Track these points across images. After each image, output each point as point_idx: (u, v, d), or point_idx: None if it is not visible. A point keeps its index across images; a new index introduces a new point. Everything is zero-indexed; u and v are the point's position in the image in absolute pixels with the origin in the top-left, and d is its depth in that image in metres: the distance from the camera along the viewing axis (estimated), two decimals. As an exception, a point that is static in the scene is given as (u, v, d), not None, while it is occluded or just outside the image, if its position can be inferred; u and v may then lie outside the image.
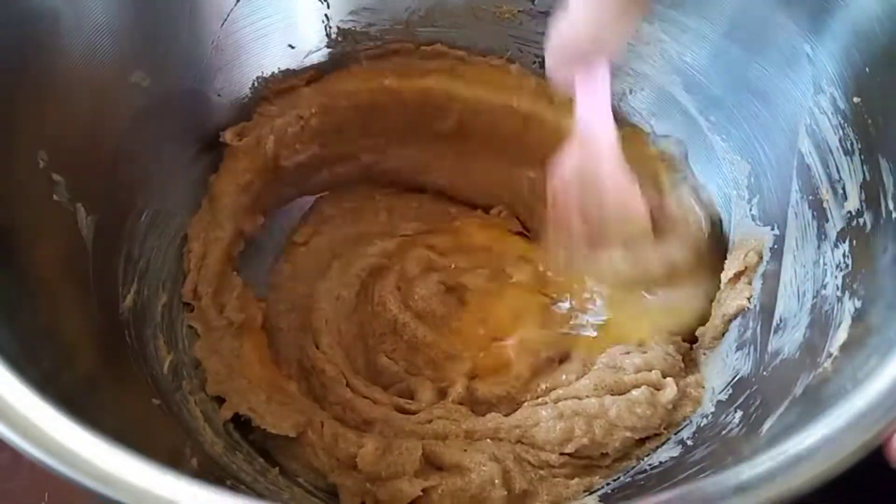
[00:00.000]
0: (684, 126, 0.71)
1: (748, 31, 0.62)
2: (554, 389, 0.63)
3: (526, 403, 0.60)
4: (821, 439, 0.37)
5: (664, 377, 0.61)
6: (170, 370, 0.60)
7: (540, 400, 0.61)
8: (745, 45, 0.63)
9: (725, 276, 0.65)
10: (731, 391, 0.59)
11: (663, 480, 0.54)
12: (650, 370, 0.61)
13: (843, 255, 0.53)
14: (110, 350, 0.55)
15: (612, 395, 0.60)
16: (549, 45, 0.54)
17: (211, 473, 0.53)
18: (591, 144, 0.61)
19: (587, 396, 0.60)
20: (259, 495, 0.54)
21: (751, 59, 0.63)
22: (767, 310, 0.60)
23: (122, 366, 0.55)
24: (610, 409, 0.58)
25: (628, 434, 0.58)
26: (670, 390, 0.60)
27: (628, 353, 0.63)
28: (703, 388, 0.62)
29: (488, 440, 0.59)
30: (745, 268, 0.64)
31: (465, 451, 0.58)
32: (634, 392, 0.59)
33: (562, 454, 0.58)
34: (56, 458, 0.35)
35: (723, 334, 0.65)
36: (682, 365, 0.64)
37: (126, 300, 0.59)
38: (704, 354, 0.65)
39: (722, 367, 0.62)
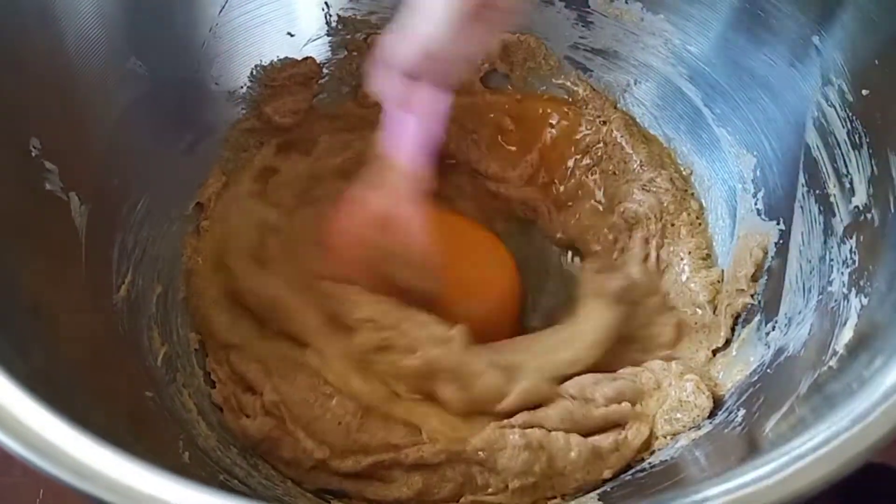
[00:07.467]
0: (689, 118, 0.71)
1: (754, 20, 0.61)
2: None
3: (492, 424, 0.58)
4: (825, 440, 0.36)
5: (634, 405, 0.59)
6: (163, 362, 0.59)
7: (506, 422, 0.58)
8: (751, 35, 0.62)
9: (733, 275, 0.65)
10: (734, 389, 0.58)
11: (664, 479, 0.54)
12: (620, 402, 0.59)
13: (850, 251, 0.52)
14: (103, 342, 0.54)
15: (579, 430, 0.58)
16: (387, 50, 0.50)
17: (203, 468, 0.52)
18: (405, 180, 0.57)
19: (553, 429, 0.57)
20: (252, 490, 0.53)
21: (757, 49, 0.62)
22: (772, 306, 0.59)
23: (114, 358, 0.55)
24: (572, 451, 0.56)
25: (585, 479, 0.57)
26: (639, 436, 0.58)
27: (597, 382, 0.60)
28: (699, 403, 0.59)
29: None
30: (756, 268, 0.63)
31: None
32: (604, 441, 0.57)
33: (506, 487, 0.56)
34: (40, 455, 0.34)
35: (732, 331, 0.64)
36: (659, 382, 0.61)
37: (120, 291, 0.58)
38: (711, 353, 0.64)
39: (726, 365, 0.62)
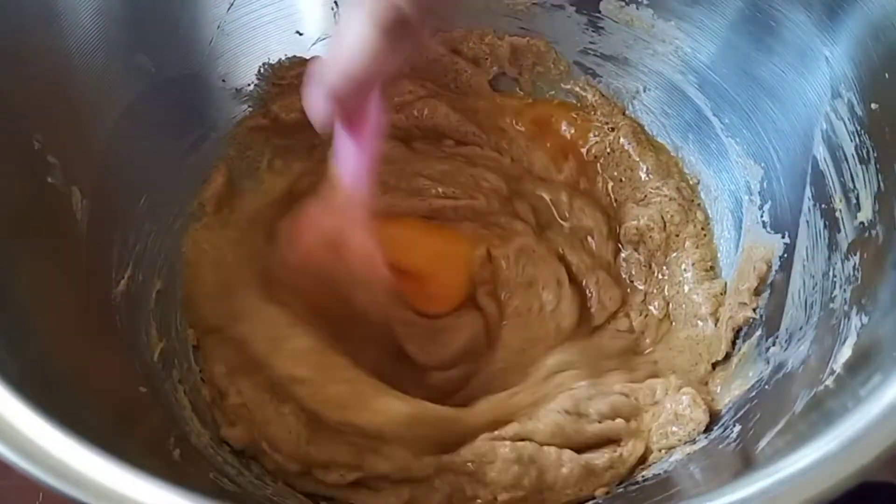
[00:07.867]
0: (698, 127, 0.70)
1: (765, 30, 0.60)
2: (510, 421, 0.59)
3: (483, 436, 0.57)
4: (817, 460, 0.36)
5: (628, 420, 0.58)
6: (160, 358, 0.59)
7: (497, 434, 0.57)
8: (761, 44, 0.61)
9: (736, 287, 0.64)
10: (731, 404, 0.58)
11: (657, 493, 0.53)
12: (615, 418, 0.57)
13: (854, 268, 0.51)
14: (98, 337, 0.54)
15: (571, 445, 0.57)
16: (316, 75, 0.49)
17: (193, 465, 0.52)
18: (351, 203, 0.56)
19: (544, 443, 0.56)
20: (242, 489, 0.53)
21: (767, 59, 0.61)
22: (773, 321, 0.59)
23: (109, 353, 0.55)
24: (564, 467, 0.55)
25: (577, 495, 0.56)
26: (634, 453, 0.57)
27: (591, 397, 0.58)
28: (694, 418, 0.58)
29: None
30: (760, 282, 0.62)
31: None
32: (598, 459, 0.56)
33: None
34: (31, 461, 0.35)
35: (733, 344, 0.63)
36: (655, 395, 0.60)
37: (119, 285, 0.58)
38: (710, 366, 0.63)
39: (725, 379, 0.61)
